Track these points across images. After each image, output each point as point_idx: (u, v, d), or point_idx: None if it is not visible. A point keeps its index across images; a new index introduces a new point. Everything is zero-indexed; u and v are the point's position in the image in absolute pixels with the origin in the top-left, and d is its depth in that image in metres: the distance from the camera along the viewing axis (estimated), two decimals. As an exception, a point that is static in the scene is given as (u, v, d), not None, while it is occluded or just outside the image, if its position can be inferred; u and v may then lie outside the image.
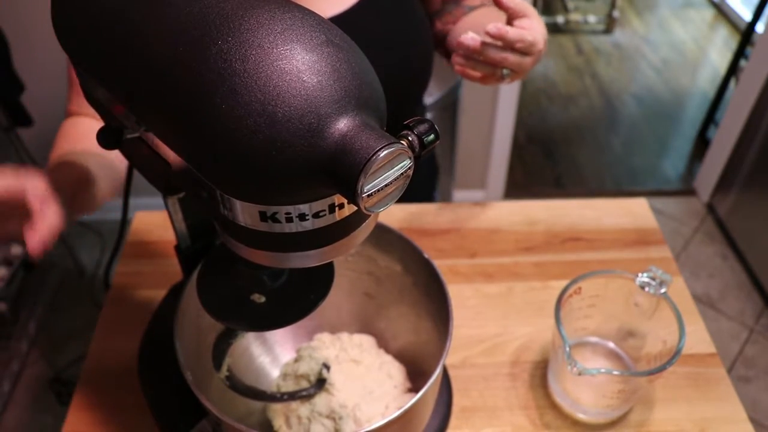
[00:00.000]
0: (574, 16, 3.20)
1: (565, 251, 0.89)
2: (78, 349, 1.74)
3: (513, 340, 0.78)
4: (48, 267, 1.92)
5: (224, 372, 0.58)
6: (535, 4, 2.97)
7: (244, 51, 0.33)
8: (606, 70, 2.92)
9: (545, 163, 2.40)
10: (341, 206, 0.38)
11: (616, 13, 3.11)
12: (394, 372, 0.71)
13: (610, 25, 3.15)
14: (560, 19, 3.18)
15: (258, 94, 0.32)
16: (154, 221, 0.92)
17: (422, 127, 0.37)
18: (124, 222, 0.73)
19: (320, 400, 0.66)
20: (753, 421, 1.67)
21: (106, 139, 0.48)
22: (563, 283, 0.68)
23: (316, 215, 0.37)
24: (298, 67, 0.33)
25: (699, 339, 0.79)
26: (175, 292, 0.70)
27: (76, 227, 2.07)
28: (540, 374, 0.75)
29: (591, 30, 3.18)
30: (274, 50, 0.33)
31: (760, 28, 2.16)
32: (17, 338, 1.72)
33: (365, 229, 0.42)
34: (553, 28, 3.15)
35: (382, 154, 0.32)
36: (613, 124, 2.61)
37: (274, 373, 0.73)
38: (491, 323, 0.80)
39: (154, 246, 0.89)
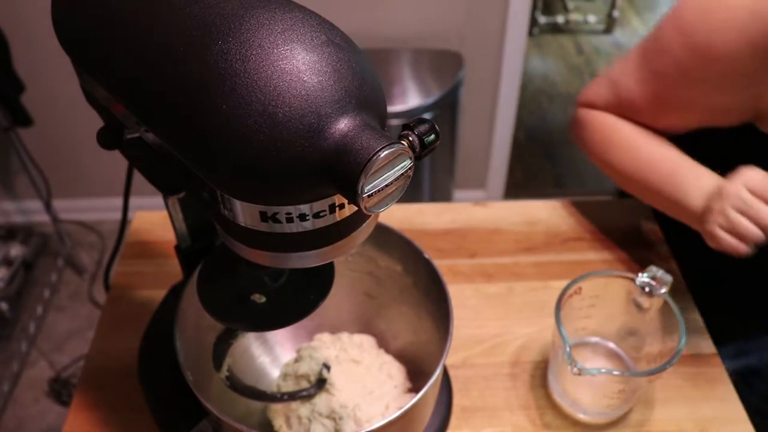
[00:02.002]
0: (574, 16, 3.19)
1: (565, 251, 0.89)
2: (78, 349, 1.74)
3: (513, 340, 0.78)
4: (48, 267, 1.92)
5: (224, 372, 0.58)
6: (534, 4, 2.97)
7: (244, 51, 0.33)
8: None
9: (545, 163, 2.40)
10: (342, 206, 0.38)
11: (616, 13, 3.11)
12: (394, 372, 0.71)
13: (610, 24, 3.15)
14: (560, 19, 3.17)
15: (259, 95, 0.32)
16: (154, 221, 0.92)
17: (423, 128, 0.37)
18: (124, 222, 0.73)
19: (320, 401, 0.66)
20: (753, 421, 1.66)
21: (106, 139, 0.47)
22: (563, 283, 0.68)
23: (316, 215, 0.37)
24: (299, 67, 0.33)
25: (699, 339, 0.79)
26: (175, 292, 0.71)
27: (76, 227, 2.07)
28: (540, 374, 0.75)
29: (591, 30, 3.18)
30: (275, 50, 0.33)
31: (760, 27, 2.15)
32: (17, 338, 1.72)
33: (365, 230, 0.42)
34: (553, 28, 3.14)
35: (382, 155, 0.32)
36: (613, 124, 2.61)
37: (275, 373, 0.73)
38: (491, 323, 0.80)
39: (154, 246, 0.89)
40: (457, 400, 0.72)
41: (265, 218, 0.37)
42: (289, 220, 0.37)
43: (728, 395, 0.73)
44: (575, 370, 0.61)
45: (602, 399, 0.67)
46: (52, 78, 1.72)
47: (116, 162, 2.16)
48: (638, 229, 0.93)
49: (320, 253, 0.40)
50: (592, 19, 3.18)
